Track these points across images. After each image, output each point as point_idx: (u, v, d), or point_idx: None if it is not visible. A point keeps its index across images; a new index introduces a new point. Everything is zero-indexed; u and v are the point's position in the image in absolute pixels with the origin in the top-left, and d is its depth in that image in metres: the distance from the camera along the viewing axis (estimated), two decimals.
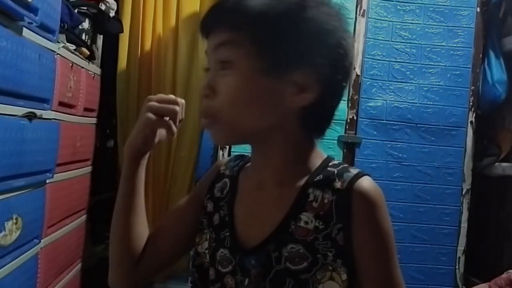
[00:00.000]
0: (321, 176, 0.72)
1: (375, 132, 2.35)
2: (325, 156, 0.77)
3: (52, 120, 1.65)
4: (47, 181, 1.64)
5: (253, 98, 0.69)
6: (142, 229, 0.81)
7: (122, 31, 2.51)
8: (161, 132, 0.77)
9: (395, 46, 2.36)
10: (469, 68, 2.37)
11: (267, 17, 0.68)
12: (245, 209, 0.76)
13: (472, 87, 2.36)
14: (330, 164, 0.74)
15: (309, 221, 0.69)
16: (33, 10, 1.39)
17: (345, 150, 2.34)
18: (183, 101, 0.76)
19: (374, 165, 2.33)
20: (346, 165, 0.74)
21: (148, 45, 2.62)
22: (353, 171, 0.72)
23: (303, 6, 0.69)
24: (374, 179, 0.72)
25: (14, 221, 1.37)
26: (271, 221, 0.71)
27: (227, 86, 0.69)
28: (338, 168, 0.73)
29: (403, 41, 2.37)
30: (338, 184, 0.70)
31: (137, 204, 0.80)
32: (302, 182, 0.73)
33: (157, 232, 0.85)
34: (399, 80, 2.36)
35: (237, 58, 0.69)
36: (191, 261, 0.80)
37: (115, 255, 0.81)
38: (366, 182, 0.70)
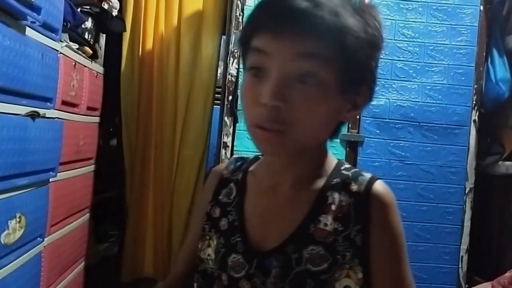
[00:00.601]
0: (338, 179, 0.74)
1: (378, 131, 2.35)
2: (336, 159, 0.79)
3: (55, 119, 1.65)
4: (51, 179, 1.65)
5: (327, 115, 0.69)
6: None
7: (125, 30, 2.51)
8: None
9: (398, 45, 2.36)
10: (473, 66, 2.36)
11: (359, 37, 0.66)
12: (257, 211, 0.76)
13: (476, 86, 2.35)
14: (343, 167, 0.77)
15: (328, 223, 0.71)
16: (36, 9, 1.39)
17: (347, 149, 2.34)
18: None
19: (376, 164, 2.33)
20: (357, 168, 0.77)
21: (150, 44, 2.62)
22: (366, 174, 0.75)
23: (377, 27, 0.70)
24: None
25: (18, 219, 1.37)
26: (289, 223, 0.72)
27: (308, 102, 0.66)
28: (351, 172, 0.76)
29: (406, 39, 2.36)
30: (354, 187, 0.73)
31: None
32: (319, 185, 0.74)
33: (188, 265, 0.86)
34: (402, 78, 2.35)
35: (323, 73, 0.65)
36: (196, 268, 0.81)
37: None
38: (381, 186, 0.73)
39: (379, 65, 0.76)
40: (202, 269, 0.78)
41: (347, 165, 0.78)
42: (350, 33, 0.65)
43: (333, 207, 0.72)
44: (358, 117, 2.33)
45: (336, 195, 0.73)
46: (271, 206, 0.75)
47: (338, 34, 0.65)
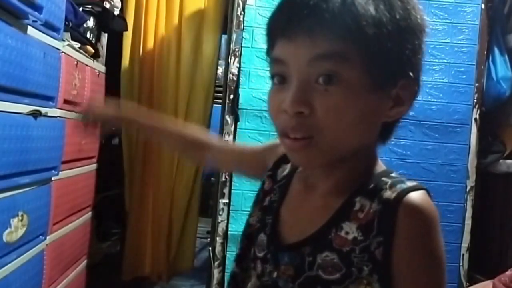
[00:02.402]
0: (373, 185, 0.66)
1: None
2: (384, 167, 0.71)
3: (57, 117, 1.66)
4: (53, 178, 1.65)
5: (360, 116, 0.62)
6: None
7: (126, 29, 2.52)
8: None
9: None
10: (474, 65, 2.35)
11: (380, 27, 0.59)
12: (292, 206, 0.74)
13: (477, 84, 2.35)
14: (387, 175, 0.68)
15: (350, 232, 0.64)
16: (38, 8, 1.40)
17: None
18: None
19: None
20: (404, 178, 0.66)
21: (151, 43, 2.63)
22: (410, 183, 0.64)
23: (408, 11, 0.63)
24: None
25: (20, 218, 1.38)
26: (313, 224, 0.67)
27: (332, 103, 0.60)
28: (394, 179, 0.66)
29: None
30: (387, 194, 0.63)
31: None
32: (352, 190, 0.67)
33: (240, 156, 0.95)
34: None
35: (345, 72, 0.60)
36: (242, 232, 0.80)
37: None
38: (419, 196, 0.62)
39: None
40: (248, 232, 0.77)
41: (394, 174, 0.67)
42: (368, 23, 0.59)
43: (360, 215, 0.64)
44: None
45: (366, 202, 0.64)
46: (304, 203, 0.72)
47: (353, 26, 0.58)
